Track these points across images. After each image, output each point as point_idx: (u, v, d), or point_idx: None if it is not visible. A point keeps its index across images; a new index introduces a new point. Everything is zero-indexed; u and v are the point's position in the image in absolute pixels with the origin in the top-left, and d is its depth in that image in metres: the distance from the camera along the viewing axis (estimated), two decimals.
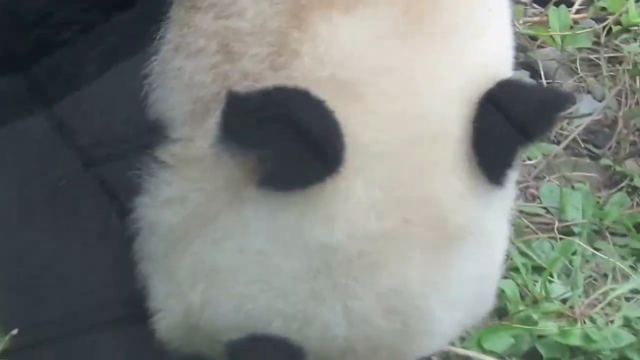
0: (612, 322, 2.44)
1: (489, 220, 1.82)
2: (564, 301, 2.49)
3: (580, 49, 3.00)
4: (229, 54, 1.78)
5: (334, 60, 1.69)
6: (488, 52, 1.84)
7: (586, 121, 2.82)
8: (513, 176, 1.89)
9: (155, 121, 1.89)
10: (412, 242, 1.70)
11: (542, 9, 3.03)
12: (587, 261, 2.58)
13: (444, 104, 1.74)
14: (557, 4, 3.09)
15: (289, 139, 1.62)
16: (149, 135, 1.90)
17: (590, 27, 3.04)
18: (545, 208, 2.67)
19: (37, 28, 2.02)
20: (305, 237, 1.69)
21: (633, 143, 2.82)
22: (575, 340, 2.39)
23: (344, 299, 1.69)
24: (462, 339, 2.42)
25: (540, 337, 2.41)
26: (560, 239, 2.61)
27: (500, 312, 2.45)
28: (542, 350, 2.40)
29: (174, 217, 1.82)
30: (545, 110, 1.76)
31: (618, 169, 2.79)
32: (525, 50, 3.02)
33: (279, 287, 1.72)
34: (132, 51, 1.94)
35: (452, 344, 2.36)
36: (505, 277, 2.49)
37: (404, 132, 1.71)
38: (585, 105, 2.89)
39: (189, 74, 1.83)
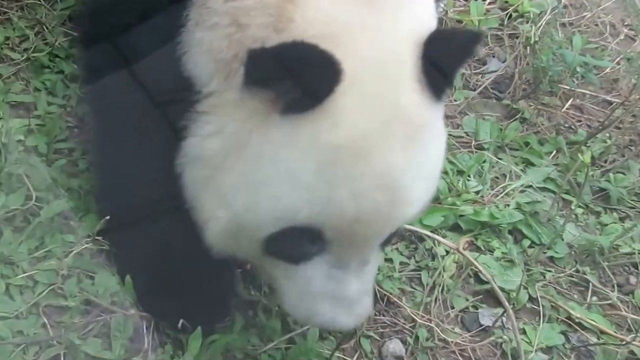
0: (508, 205, 2.47)
1: (436, 122, 1.80)
2: (477, 192, 2.52)
3: (490, 28, 2.97)
4: (239, 25, 1.73)
5: (319, 22, 1.66)
6: (420, 15, 1.82)
7: (493, 75, 2.83)
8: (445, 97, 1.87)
9: (187, 77, 1.84)
10: (391, 137, 1.67)
11: (465, 2, 3.02)
12: (492, 166, 2.59)
13: (401, 45, 1.72)
14: None
15: (301, 74, 1.59)
16: (184, 88, 1.84)
17: (497, 14, 3.04)
18: (466, 132, 2.68)
19: (110, 16, 1.98)
20: (317, 142, 1.65)
21: (524, 90, 2.80)
22: (484, 218, 2.42)
23: (349, 183, 1.64)
24: None
25: (460, 215, 2.43)
26: (475, 152, 2.63)
27: (434, 200, 2.35)
28: (462, 224, 2.43)
29: (215, 145, 1.75)
30: (468, 43, 1.74)
31: (514, 106, 2.78)
32: None
33: (302, 183, 1.66)
34: (168, 26, 1.87)
35: None
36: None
37: (376, 64, 1.68)
38: (493, 65, 2.88)
39: (208, 42, 1.79)
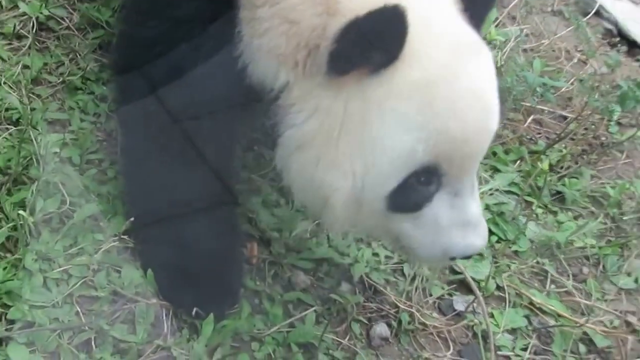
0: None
1: (485, 45, 1.73)
2: None
3: None
4: (291, 22, 1.66)
5: None
6: None
7: None
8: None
9: (256, 83, 1.77)
10: (465, 58, 1.62)
11: None
12: None
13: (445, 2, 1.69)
14: None
15: (382, 33, 1.53)
16: (248, 94, 1.79)
17: None
18: None
19: (155, 45, 1.89)
20: (412, 83, 1.59)
21: None
22: None
23: (450, 107, 1.58)
24: None
25: None
26: None
27: None
28: None
29: (315, 126, 1.67)
30: None
31: None
32: None
33: (412, 125, 1.58)
34: (224, 44, 1.79)
35: None
36: None
37: (428, 9, 1.64)
38: None
39: (266, 45, 1.72)
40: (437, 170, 1.63)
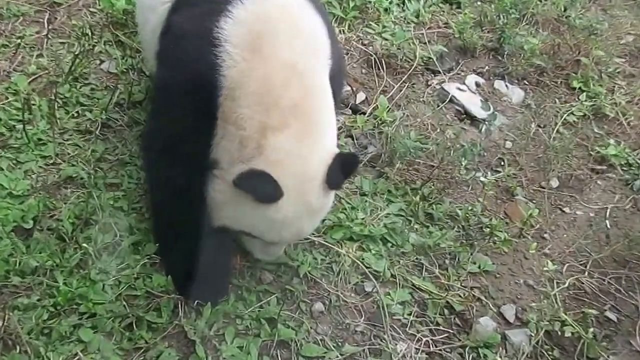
0: (379, 225, 2.25)
1: (328, 203, 1.75)
2: (362, 218, 2.27)
3: (369, 129, 2.62)
4: (240, 142, 1.63)
5: (278, 151, 1.60)
6: (328, 144, 1.72)
7: (371, 154, 2.52)
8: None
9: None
10: (302, 216, 1.66)
11: (354, 115, 2.63)
12: (370, 204, 2.35)
13: (317, 164, 1.65)
14: None
15: (261, 185, 1.55)
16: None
17: (372, 122, 2.59)
18: (356, 186, 2.42)
19: (162, 138, 1.79)
20: (266, 211, 1.62)
21: (386, 161, 2.52)
22: (366, 232, 2.20)
23: (280, 229, 1.66)
24: None
25: (353, 232, 2.22)
26: (360, 197, 2.38)
27: (339, 224, 2.21)
28: (354, 237, 2.20)
29: (220, 197, 1.68)
30: (353, 162, 1.71)
31: (382, 171, 2.51)
32: None
33: (260, 225, 1.67)
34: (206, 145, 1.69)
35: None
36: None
37: (299, 178, 1.62)
38: (370, 149, 2.55)
39: (226, 147, 1.66)
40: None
